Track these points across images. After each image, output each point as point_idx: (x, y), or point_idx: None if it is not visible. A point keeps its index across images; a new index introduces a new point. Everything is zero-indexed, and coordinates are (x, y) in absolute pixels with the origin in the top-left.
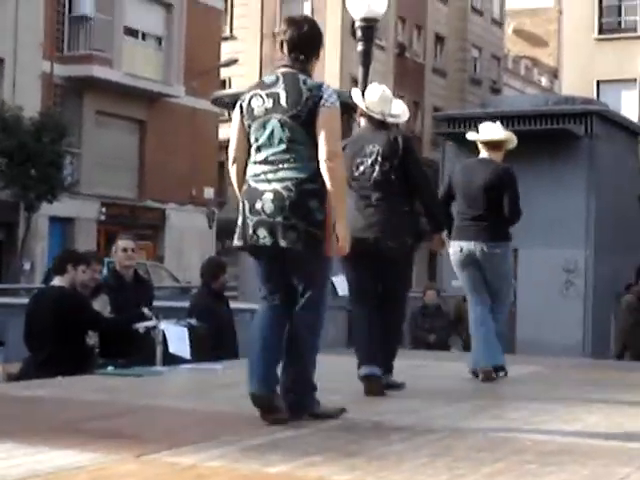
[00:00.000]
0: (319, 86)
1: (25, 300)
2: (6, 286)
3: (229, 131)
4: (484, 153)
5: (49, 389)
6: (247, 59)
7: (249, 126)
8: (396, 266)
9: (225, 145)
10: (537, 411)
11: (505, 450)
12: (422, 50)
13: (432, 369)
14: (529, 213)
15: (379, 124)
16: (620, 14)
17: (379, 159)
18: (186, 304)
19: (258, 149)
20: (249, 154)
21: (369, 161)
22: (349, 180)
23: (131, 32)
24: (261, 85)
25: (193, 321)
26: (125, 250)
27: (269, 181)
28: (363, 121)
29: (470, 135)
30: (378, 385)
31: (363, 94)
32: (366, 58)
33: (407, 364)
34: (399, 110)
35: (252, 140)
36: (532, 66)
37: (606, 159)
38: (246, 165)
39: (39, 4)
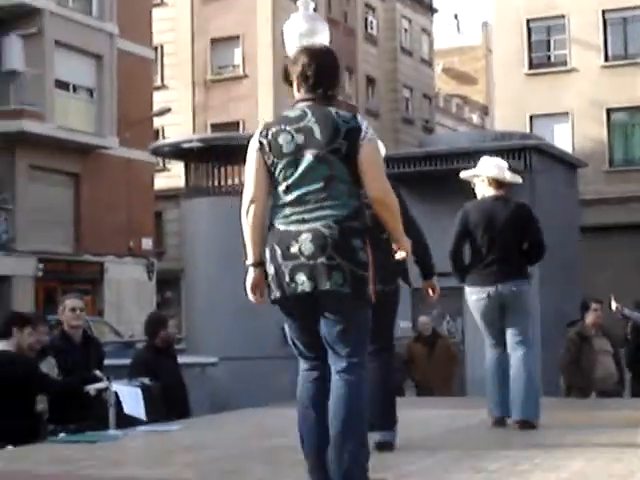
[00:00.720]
0: (354, 117)
1: None
2: None
3: (165, 181)
4: (490, 191)
5: (1, 462)
6: (180, 107)
7: (274, 164)
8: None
9: (161, 195)
10: (517, 459)
11: None
12: (354, 92)
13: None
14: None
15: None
16: (549, 49)
17: None
18: None
19: (288, 189)
20: (271, 195)
21: None
22: None
23: (62, 85)
24: (286, 120)
25: (146, 380)
26: (74, 310)
27: (305, 221)
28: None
29: (474, 171)
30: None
31: None
32: None
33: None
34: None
35: (280, 179)
36: (463, 104)
37: (546, 193)
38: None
39: None
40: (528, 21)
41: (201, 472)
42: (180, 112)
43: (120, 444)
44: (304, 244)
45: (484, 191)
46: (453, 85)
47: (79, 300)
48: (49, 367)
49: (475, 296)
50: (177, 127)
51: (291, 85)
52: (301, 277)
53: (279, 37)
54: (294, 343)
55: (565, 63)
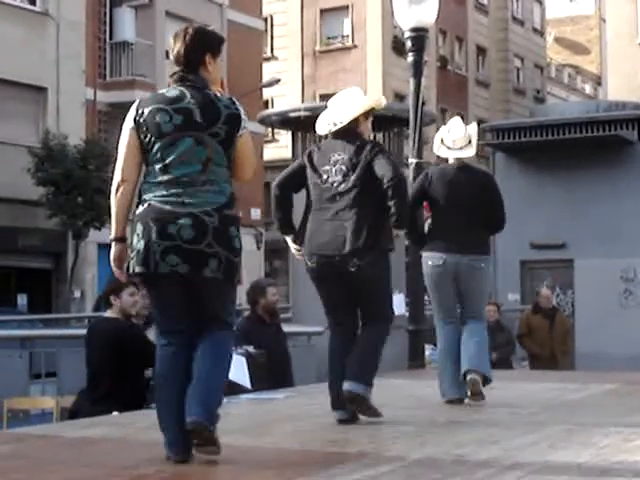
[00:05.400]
0: (234, 103)
1: (77, 330)
2: (57, 316)
3: (274, 152)
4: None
5: (104, 428)
6: (289, 78)
7: (150, 142)
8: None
9: (270, 166)
10: (629, 435)
11: None
12: (464, 62)
13: (503, 391)
14: (584, 222)
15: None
16: None
17: (344, 168)
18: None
19: (165, 168)
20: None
21: (334, 170)
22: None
23: None
24: (163, 99)
25: (250, 348)
26: None
27: (184, 204)
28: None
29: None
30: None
31: (417, 106)
32: (417, 69)
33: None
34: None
35: (156, 158)
36: (575, 74)
37: None
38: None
39: (80, 32)
40: None
41: (301, 441)
42: (289, 83)
43: (224, 412)
44: (184, 229)
45: (452, 159)
46: (565, 55)
47: None
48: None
49: (431, 262)
50: (286, 98)
51: (401, 55)
52: (174, 258)
53: (388, 7)
54: (158, 319)
55: None
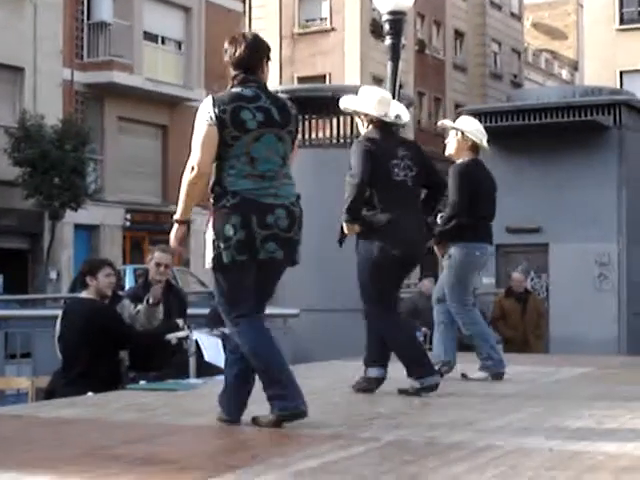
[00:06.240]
0: (293, 105)
1: (53, 311)
2: (33, 296)
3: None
4: (471, 153)
5: (79, 409)
6: None
7: (235, 138)
8: None
9: None
10: (601, 419)
11: (577, 468)
12: (442, 46)
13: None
14: (560, 207)
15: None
16: None
17: (409, 164)
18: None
19: (252, 162)
20: (224, 167)
21: (402, 165)
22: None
23: (150, 37)
24: (242, 98)
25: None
26: (159, 265)
27: (277, 196)
28: (369, 126)
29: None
30: None
31: (394, 89)
32: (395, 52)
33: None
34: (402, 111)
35: (240, 152)
36: (552, 59)
37: (636, 149)
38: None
39: (58, 12)
40: None
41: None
42: None
43: (199, 393)
44: (280, 219)
45: (471, 154)
46: (543, 40)
47: (167, 255)
48: (122, 310)
49: (478, 252)
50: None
51: (379, 38)
52: (272, 245)
53: None
54: (239, 302)
55: None
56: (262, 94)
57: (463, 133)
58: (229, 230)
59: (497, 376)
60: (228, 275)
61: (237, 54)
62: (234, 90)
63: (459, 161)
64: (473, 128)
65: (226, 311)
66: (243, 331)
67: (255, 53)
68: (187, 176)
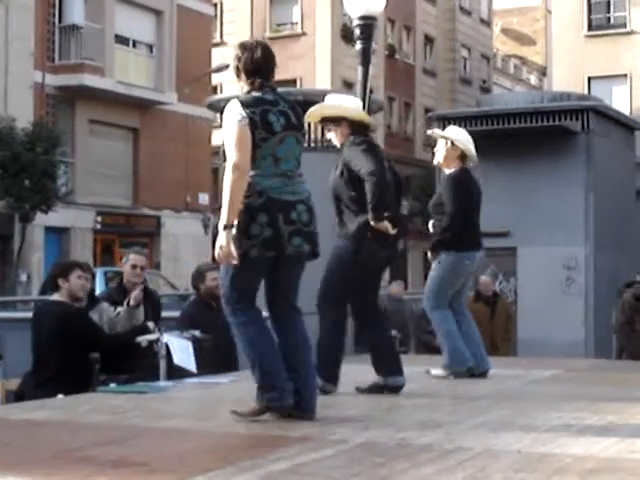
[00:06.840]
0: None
1: (23, 313)
2: (3, 298)
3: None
4: (460, 162)
5: (50, 411)
6: None
7: (264, 140)
8: None
9: (219, 151)
10: (569, 421)
11: (545, 470)
12: (412, 51)
13: (446, 376)
14: (529, 211)
15: None
16: (609, 10)
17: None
18: None
19: (276, 162)
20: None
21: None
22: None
23: (122, 40)
24: (266, 102)
25: (196, 332)
26: (134, 267)
27: (295, 193)
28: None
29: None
30: None
31: (364, 93)
32: (365, 57)
33: (416, 371)
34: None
35: (267, 153)
36: (521, 65)
37: (603, 155)
38: None
39: (29, 14)
40: None
41: (246, 425)
42: None
43: (168, 395)
44: (302, 214)
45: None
46: (511, 45)
47: (142, 257)
48: (101, 314)
49: (468, 261)
50: (236, 84)
51: (350, 43)
52: (298, 240)
53: None
54: (244, 291)
55: (624, 25)
56: (280, 99)
57: (453, 142)
58: (256, 229)
59: (460, 375)
60: (247, 267)
61: (254, 60)
62: (255, 94)
63: (450, 171)
64: (462, 137)
65: (233, 299)
66: (243, 322)
67: (270, 60)
68: (229, 177)
